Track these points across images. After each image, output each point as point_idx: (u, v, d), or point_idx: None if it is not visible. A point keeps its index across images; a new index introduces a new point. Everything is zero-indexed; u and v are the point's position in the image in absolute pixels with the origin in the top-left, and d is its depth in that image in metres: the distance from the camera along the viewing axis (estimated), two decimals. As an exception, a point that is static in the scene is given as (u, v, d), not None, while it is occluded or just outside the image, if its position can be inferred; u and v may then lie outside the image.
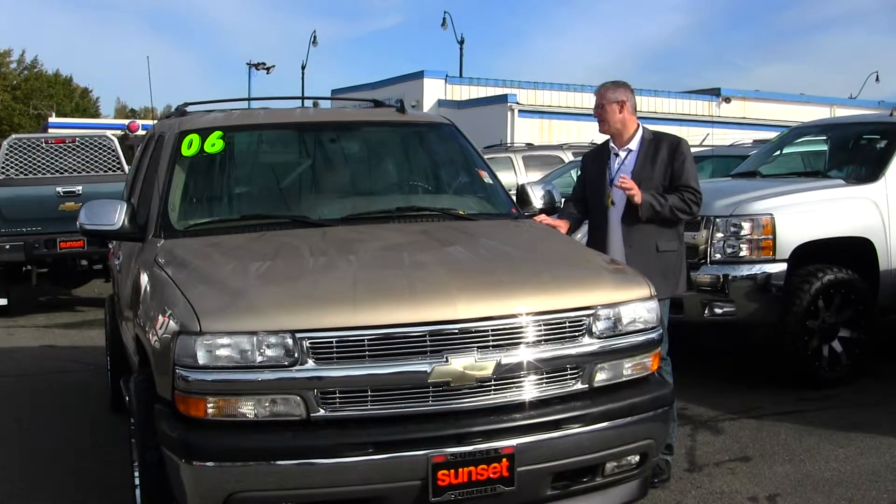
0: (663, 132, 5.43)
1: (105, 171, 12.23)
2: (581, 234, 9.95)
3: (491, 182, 5.44)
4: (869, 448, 5.70)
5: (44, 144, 12.32)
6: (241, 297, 3.73)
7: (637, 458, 4.01)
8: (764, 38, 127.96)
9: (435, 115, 6.33)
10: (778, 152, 9.19)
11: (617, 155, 5.32)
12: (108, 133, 13.74)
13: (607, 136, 5.39)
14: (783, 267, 6.92)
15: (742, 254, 6.91)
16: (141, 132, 20.63)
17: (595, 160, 5.52)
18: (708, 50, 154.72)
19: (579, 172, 5.99)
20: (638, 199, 5.05)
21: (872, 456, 5.56)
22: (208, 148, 5.13)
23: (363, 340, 3.55)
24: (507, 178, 13.30)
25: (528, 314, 3.74)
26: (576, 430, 3.75)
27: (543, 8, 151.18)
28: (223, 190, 5.24)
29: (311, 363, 3.52)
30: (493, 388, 3.67)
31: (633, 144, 5.29)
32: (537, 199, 5.36)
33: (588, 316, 3.86)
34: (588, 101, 36.15)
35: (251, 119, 5.76)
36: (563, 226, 5.39)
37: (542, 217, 5.34)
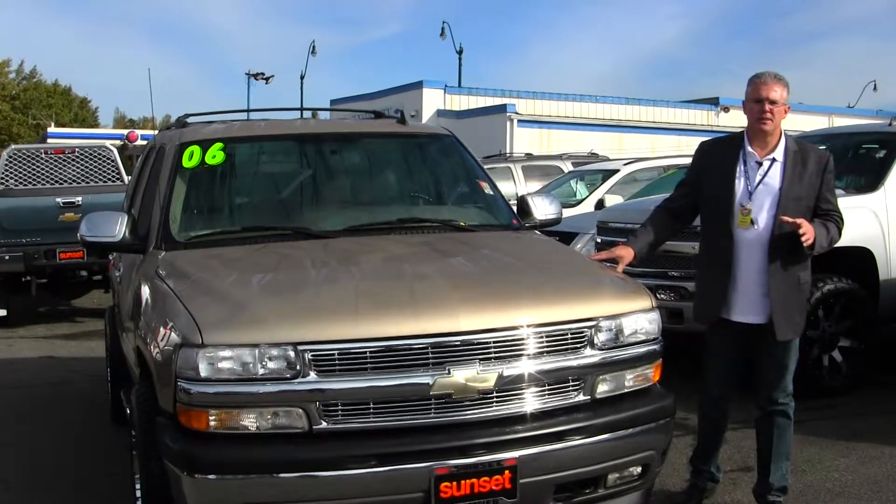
0: (806, 142, 4.71)
1: (105, 182, 12.25)
2: (580, 245, 9.95)
3: (492, 193, 5.43)
4: (870, 457, 5.70)
5: (43, 155, 12.34)
6: (243, 309, 3.73)
7: (639, 469, 4.02)
8: (762, 47, 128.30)
9: (436, 127, 6.35)
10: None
11: (759, 164, 4.52)
12: (108, 143, 13.77)
13: (723, 133, 4.79)
14: (783, 277, 6.89)
15: (743, 264, 6.86)
16: (140, 142, 20.65)
17: (720, 161, 4.63)
18: (707, 58, 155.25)
19: (685, 174, 5.05)
20: (810, 239, 4.33)
21: (874, 465, 5.56)
22: (209, 160, 5.13)
23: (365, 353, 3.55)
24: (507, 189, 13.31)
25: (529, 326, 3.74)
26: (578, 441, 3.76)
27: (543, 18, 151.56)
28: (224, 201, 5.26)
29: (313, 375, 3.52)
30: (495, 399, 3.67)
31: (778, 154, 4.52)
32: (538, 210, 5.34)
33: (590, 327, 3.87)
34: (588, 110, 36.47)
35: (252, 130, 5.77)
36: (626, 255, 4.67)
37: (602, 254, 4.89)
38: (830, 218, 4.56)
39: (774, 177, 4.50)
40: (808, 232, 4.32)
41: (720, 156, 4.66)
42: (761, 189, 4.50)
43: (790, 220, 4.35)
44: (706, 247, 4.79)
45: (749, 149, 4.56)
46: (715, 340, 4.76)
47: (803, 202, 4.48)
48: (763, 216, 4.47)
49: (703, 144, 4.94)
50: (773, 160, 4.52)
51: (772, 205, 4.47)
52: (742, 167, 4.55)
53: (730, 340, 4.70)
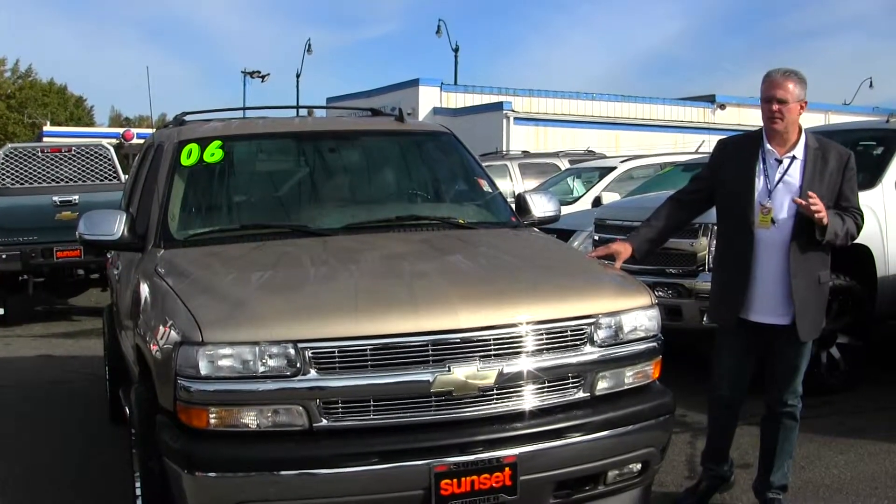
0: (827, 139, 4.56)
1: (101, 180, 12.24)
2: (578, 242, 9.96)
3: (490, 191, 5.44)
4: (868, 454, 5.71)
5: (39, 154, 12.32)
6: (243, 307, 3.72)
7: (639, 466, 4.02)
8: (758, 45, 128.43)
9: (434, 124, 6.35)
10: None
11: (779, 161, 4.43)
12: (104, 142, 13.76)
13: (737, 132, 4.70)
14: (781, 274, 6.90)
15: (741, 261, 6.86)
16: (136, 140, 20.64)
17: (738, 159, 4.55)
18: (703, 56, 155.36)
19: (701, 171, 4.97)
20: (826, 220, 4.25)
21: (872, 462, 5.57)
22: (207, 157, 5.13)
23: (365, 350, 3.55)
24: (503, 186, 13.30)
25: (529, 323, 3.74)
26: (578, 438, 3.76)
27: (538, 16, 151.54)
28: (223, 199, 5.25)
29: (313, 373, 3.52)
30: (495, 397, 3.67)
31: (798, 151, 4.42)
32: (537, 207, 5.33)
33: (589, 324, 3.87)
34: (584, 108, 36.47)
35: (250, 128, 5.77)
36: (622, 252, 4.62)
37: (599, 251, 4.84)
38: (849, 213, 4.47)
39: (794, 175, 4.41)
40: (822, 208, 4.23)
41: (739, 153, 4.57)
42: (781, 187, 4.42)
43: (801, 200, 4.27)
44: (724, 246, 4.71)
45: (768, 146, 4.47)
46: (728, 341, 4.66)
47: (824, 200, 4.35)
48: (783, 215, 4.39)
49: (721, 142, 4.83)
50: (794, 158, 4.42)
51: (792, 203, 4.37)
52: (761, 165, 4.46)
53: (745, 341, 4.61)
